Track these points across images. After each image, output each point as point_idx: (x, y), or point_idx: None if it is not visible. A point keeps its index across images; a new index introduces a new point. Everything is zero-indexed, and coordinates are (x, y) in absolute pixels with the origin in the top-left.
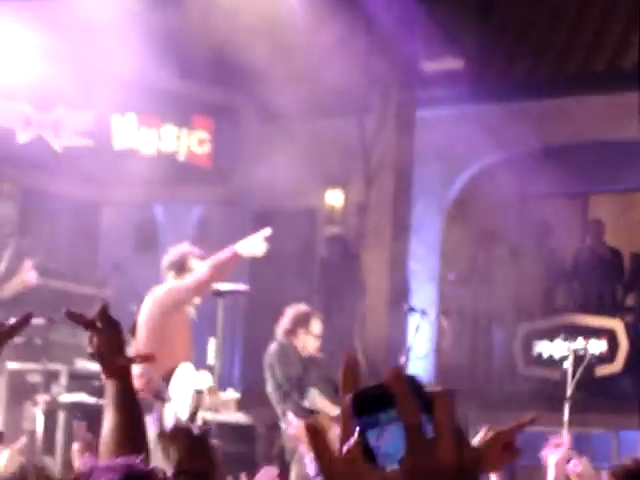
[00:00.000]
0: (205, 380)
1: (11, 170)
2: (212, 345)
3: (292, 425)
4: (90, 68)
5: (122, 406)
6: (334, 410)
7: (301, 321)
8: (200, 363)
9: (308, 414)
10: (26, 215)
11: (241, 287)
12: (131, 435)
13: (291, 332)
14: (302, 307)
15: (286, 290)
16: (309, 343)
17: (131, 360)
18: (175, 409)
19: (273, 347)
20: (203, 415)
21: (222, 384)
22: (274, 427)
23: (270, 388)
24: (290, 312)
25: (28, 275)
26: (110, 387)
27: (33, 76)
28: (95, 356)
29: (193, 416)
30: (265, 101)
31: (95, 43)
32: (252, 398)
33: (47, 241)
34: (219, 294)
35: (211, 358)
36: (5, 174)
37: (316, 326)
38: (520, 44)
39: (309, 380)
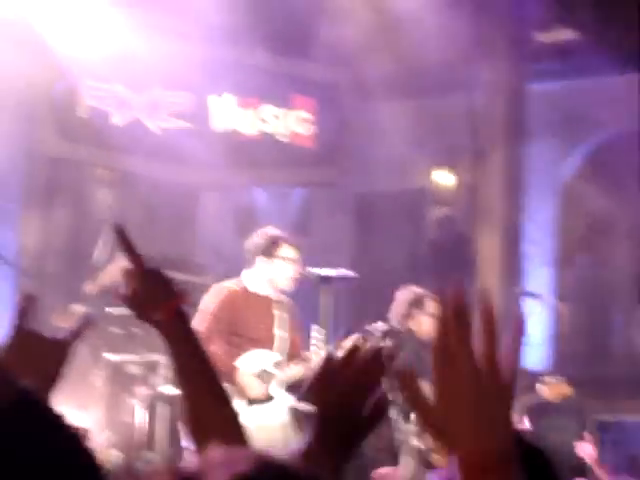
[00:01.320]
0: (270, 358)
1: (107, 154)
2: (315, 332)
3: None
4: (186, 48)
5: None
6: None
7: (415, 303)
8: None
9: None
10: (123, 200)
11: (346, 272)
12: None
13: (406, 315)
14: (414, 289)
15: (394, 274)
16: (424, 324)
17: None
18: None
19: None
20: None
21: None
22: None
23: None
24: (402, 295)
25: (125, 262)
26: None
27: (128, 57)
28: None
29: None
30: (368, 78)
31: (191, 22)
32: None
33: (145, 227)
34: (323, 280)
35: (314, 346)
36: (101, 158)
37: (430, 307)
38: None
39: (422, 367)
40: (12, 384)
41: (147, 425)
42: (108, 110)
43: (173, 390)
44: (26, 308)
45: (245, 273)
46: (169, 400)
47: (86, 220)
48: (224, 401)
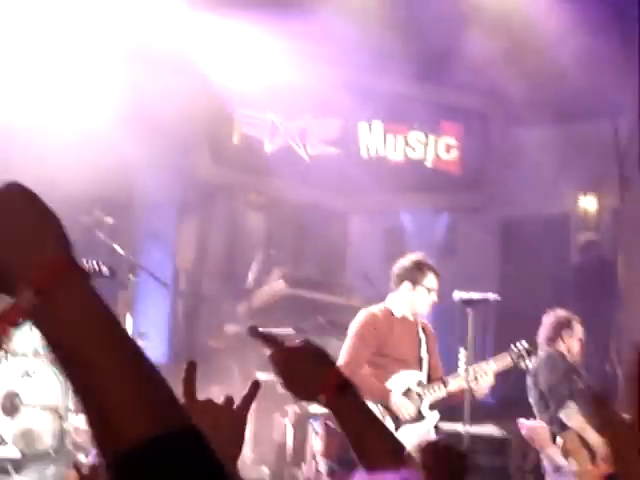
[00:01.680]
0: (416, 379)
1: (260, 180)
2: (462, 355)
3: (524, 427)
4: (335, 76)
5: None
6: (586, 430)
7: (563, 326)
8: (450, 373)
9: (560, 428)
10: (274, 224)
11: (491, 295)
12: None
13: (553, 339)
14: (561, 312)
15: (538, 297)
16: (574, 346)
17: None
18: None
19: (538, 355)
20: (458, 428)
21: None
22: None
23: (532, 398)
24: (549, 319)
25: (277, 285)
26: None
27: (280, 86)
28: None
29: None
30: (513, 104)
31: (340, 50)
32: (506, 409)
33: (296, 250)
34: (468, 303)
35: (462, 369)
36: (254, 184)
37: (578, 330)
38: None
39: (570, 391)
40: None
41: (296, 443)
42: (261, 137)
43: (322, 409)
44: (191, 376)
45: (390, 296)
46: (318, 418)
47: (239, 243)
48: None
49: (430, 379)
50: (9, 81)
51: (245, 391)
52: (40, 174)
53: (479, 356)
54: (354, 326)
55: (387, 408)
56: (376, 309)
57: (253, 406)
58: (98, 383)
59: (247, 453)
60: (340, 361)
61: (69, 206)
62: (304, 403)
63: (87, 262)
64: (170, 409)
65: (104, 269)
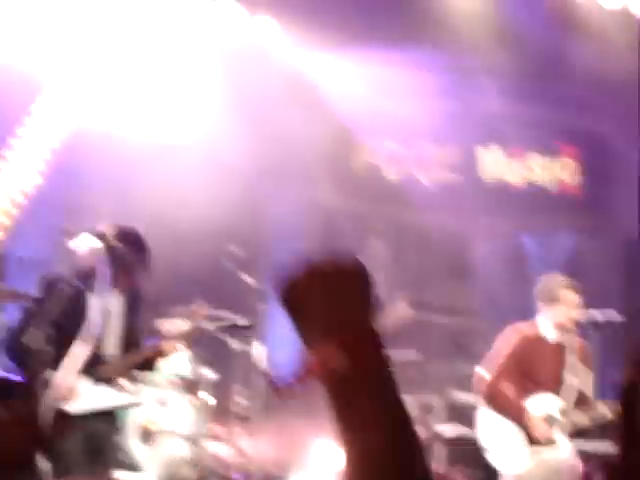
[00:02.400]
0: (556, 404)
1: (382, 207)
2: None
3: None
4: (453, 103)
5: None
6: None
7: None
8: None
9: None
10: (398, 250)
11: (615, 316)
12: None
13: None
14: None
15: None
16: None
17: None
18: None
19: None
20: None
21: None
22: None
23: None
24: None
25: (402, 309)
26: None
27: (398, 114)
28: None
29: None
30: (632, 125)
31: (455, 77)
32: None
33: (420, 275)
34: (593, 325)
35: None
36: (377, 211)
37: None
38: None
39: None
40: None
41: None
42: (381, 165)
43: (448, 430)
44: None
45: (538, 318)
46: (446, 441)
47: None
48: None
49: (576, 405)
50: (137, 111)
51: None
52: (169, 208)
53: (607, 380)
54: (504, 343)
55: (525, 431)
56: (525, 328)
57: None
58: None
59: None
60: (485, 378)
61: (199, 239)
62: (427, 420)
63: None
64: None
65: (243, 322)
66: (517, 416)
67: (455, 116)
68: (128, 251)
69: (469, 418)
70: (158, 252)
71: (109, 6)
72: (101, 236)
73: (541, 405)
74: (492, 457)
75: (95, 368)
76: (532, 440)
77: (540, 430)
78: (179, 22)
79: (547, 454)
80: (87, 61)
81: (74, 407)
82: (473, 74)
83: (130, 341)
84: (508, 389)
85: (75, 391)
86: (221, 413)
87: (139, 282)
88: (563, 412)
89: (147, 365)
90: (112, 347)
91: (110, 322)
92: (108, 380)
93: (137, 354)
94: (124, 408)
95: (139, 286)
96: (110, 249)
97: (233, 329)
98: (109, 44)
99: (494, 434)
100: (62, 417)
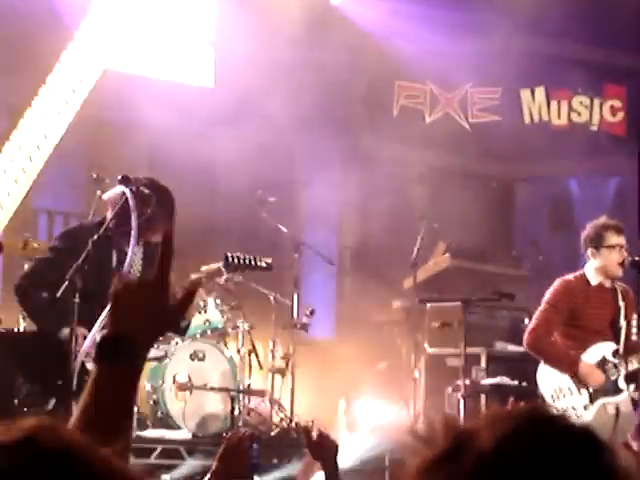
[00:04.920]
0: (608, 348)
1: (421, 151)
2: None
3: None
4: (495, 43)
5: None
6: None
7: None
8: None
9: None
10: (437, 196)
11: None
12: None
13: None
14: None
15: None
16: None
17: None
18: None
19: None
20: None
21: None
22: None
23: None
24: None
25: (443, 257)
26: None
27: (439, 55)
28: None
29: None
30: None
31: (497, 16)
32: None
33: (460, 221)
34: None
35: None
36: (415, 156)
37: None
38: None
39: None
40: None
41: (467, 417)
42: (421, 108)
43: (492, 381)
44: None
45: (586, 266)
46: (489, 391)
47: (403, 217)
48: None
49: (628, 349)
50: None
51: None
52: (203, 156)
53: None
54: (548, 292)
55: (579, 380)
56: (572, 277)
57: (423, 381)
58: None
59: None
60: (530, 325)
61: (233, 187)
62: (471, 371)
63: (246, 259)
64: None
65: (262, 264)
66: (569, 366)
67: (497, 57)
68: (154, 203)
69: (514, 369)
70: (193, 203)
71: None
72: (128, 182)
73: (595, 352)
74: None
75: None
76: (587, 388)
77: (594, 377)
78: None
79: (604, 400)
80: (116, 5)
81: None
82: (517, 15)
83: None
84: (556, 339)
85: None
86: (258, 366)
87: (159, 236)
88: (618, 356)
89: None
90: None
91: (131, 273)
92: None
93: None
94: (153, 360)
95: (158, 240)
96: (137, 197)
97: (255, 270)
98: None
99: (551, 385)
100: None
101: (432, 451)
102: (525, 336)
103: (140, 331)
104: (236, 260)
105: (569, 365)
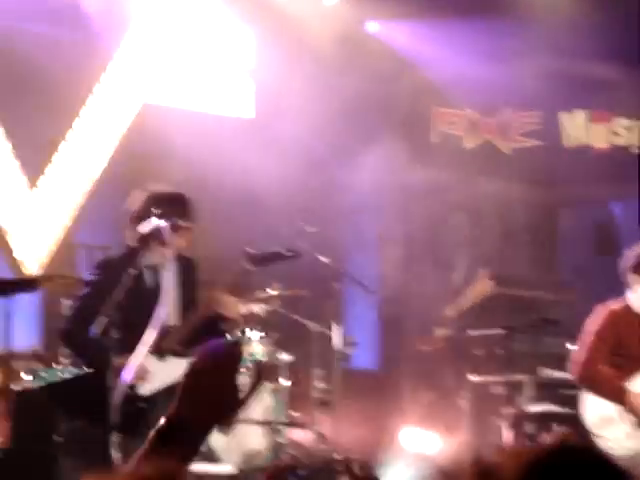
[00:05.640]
0: None
1: (460, 178)
2: None
3: None
4: (533, 66)
5: None
6: None
7: None
8: None
9: None
10: (478, 222)
11: None
12: None
13: None
14: None
15: None
16: None
17: None
18: None
19: None
20: None
21: None
22: None
23: None
24: None
25: (485, 284)
26: None
27: (477, 80)
28: None
29: None
30: None
31: (538, 39)
32: None
33: (502, 247)
34: None
35: None
36: (455, 182)
37: None
38: None
39: None
40: None
41: (510, 445)
42: (459, 134)
43: (538, 408)
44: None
45: (629, 293)
46: (534, 418)
47: (443, 244)
48: None
49: None
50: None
51: None
52: (242, 188)
53: None
54: (593, 322)
55: (626, 409)
56: (615, 305)
57: (468, 410)
58: None
59: (464, 456)
60: (577, 358)
61: (271, 217)
62: (516, 399)
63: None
64: None
65: (287, 253)
66: (617, 396)
67: (536, 81)
68: (173, 214)
69: (559, 396)
70: (231, 231)
71: None
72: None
73: None
74: (598, 439)
75: (158, 342)
76: (632, 417)
77: None
78: None
79: None
80: (152, 36)
81: (146, 388)
82: (555, 38)
83: (187, 312)
84: (603, 369)
85: (147, 371)
86: (300, 398)
87: (187, 247)
88: None
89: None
90: (172, 318)
91: (167, 293)
92: (172, 352)
93: (194, 315)
94: None
95: (189, 253)
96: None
97: (283, 260)
98: (172, 16)
99: (595, 413)
100: (135, 400)
101: None
102: (573, 368)
103: (203, 418)
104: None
105: (617, 395)
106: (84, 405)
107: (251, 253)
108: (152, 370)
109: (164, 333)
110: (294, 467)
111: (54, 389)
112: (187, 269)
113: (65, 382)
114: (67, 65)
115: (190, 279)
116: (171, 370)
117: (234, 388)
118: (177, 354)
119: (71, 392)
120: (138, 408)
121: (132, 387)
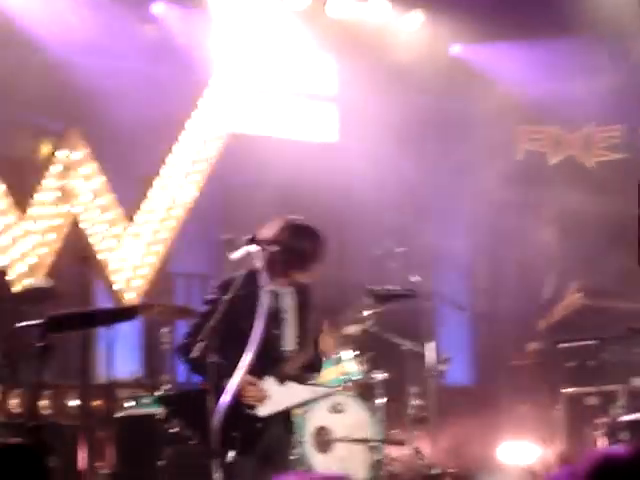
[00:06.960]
0: None
1: (546, 193)
2: None
3: None
4: (613, 81)
5: None
6: None
7: None
8: None
9: None
10: (566, 236)
11: None
12: None
13: None
14: None
15: None
16: None
17: None
18: None
19: None
20: None
21: None
22: None
23: None
24: None
25: (575, 297)
26: None
27: (560, 97)
28: None
29: None
30: None
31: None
32: None
33: (591, 260)
34: None
35: None
36: (543, 198)
37: None
38: None
39: None
40: None
41: None
42: (543, 151)
43: (631, 417)
44: None
45: None
46: (629, 428)
47: (533, 259)
48: None
49: None
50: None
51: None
52: (331, 211)
53: None
54: None
55: None
56: None
57: (562, 422)
58: None
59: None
60: None
61: (360, 240)
62: (610, 409)
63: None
64: None
65: (407, 292)
66: None
67: (618, 95)
68: (291, 244)
69: None
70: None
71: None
72: (254, 241)
73: None
74: None
75: (277, 366)
76: None
77: None
78: (335, 24)
79: None
80: (240, 67)
81: (264, 410)
82: (632, 52)
83: (305, 337)
84: None
85: (264, 393)
86: (396, 415)
87: (305, 276)
88: None
89: (314, 366)
90: (290, 343)
91: (286, 318)
92: (291, 377)
93: (314, 342)
94: (313, 401)
95: (307, 280)
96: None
97: (401, 298)
98: (258, 46)
99: None
100: (253, 420)
101: None
102: None
103: None
104: (380, 291)
105: None
106: (197, 419)
107: (374, 290)
108: (271, 393)
109: (284, 358)
110: None
111: (173, 399)
112: (303, 294)
113: (184, 394)
114: (158, 102)
115: (306, 304)
116: (289, 395)
117: None
118: (296, 379)
119: (189, 405)
120: (256, 428)
121: (251, 407)
